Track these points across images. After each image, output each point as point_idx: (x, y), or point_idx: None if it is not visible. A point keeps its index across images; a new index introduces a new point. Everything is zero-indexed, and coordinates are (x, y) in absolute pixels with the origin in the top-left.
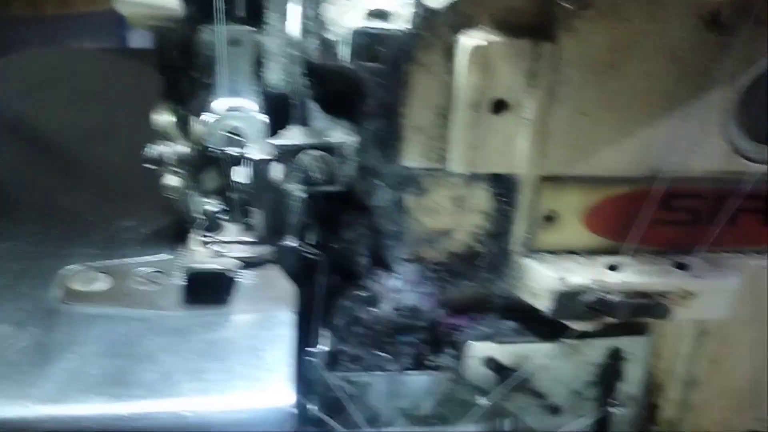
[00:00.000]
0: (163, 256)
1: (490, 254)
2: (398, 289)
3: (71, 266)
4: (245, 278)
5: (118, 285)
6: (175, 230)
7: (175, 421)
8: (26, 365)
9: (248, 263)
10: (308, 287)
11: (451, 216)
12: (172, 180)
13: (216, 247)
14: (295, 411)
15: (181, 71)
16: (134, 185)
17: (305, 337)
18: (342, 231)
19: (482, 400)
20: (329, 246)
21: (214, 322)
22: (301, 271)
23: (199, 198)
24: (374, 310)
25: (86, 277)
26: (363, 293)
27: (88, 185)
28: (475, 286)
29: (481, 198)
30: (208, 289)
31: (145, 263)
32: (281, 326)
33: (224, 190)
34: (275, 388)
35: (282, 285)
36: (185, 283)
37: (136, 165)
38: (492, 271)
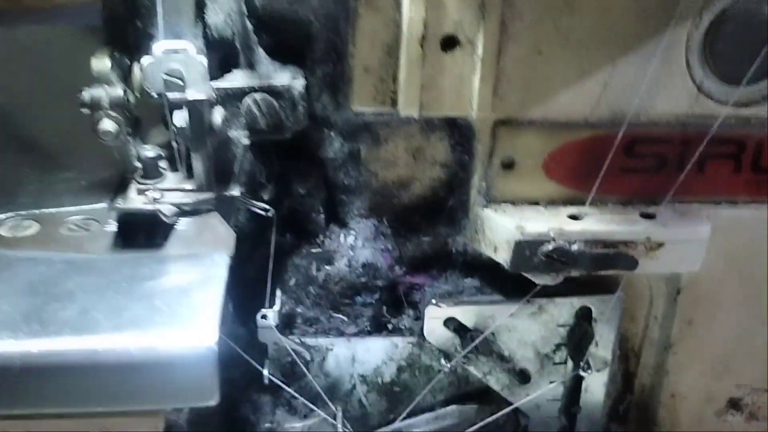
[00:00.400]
0: (99, 206)
1: (450, 207)
2: (354, 246)
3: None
4: (182, 225)
5: (47, 231)
6: (116, 181)
7: (90, 358)
8: None
9: (186, 211)
10: (258, 245)
11: (408, 168)
12: (107, 125)
13: (153, 194)
14: (216, 349)
15: (124, 20)
16: (76, 142)
17: (257, 298)
18: (293, 185)
19: (445, 365)
20: (280, 201)
21: (142, 263)
22: (249, 227)
23: (137, 144)
24: (329, 268)
25: (14, 224)
26: (317, 251)
27: (28, 143)
28: (435, 242)
29: (439, 148)
30: (141, 233)
31: (78, 212)
32: (213, 267)
33: (163, 136)
34: (197, 327)
35: (220, 231)
36: (117, 227)
37: (82, 124)
38: (451, 225)
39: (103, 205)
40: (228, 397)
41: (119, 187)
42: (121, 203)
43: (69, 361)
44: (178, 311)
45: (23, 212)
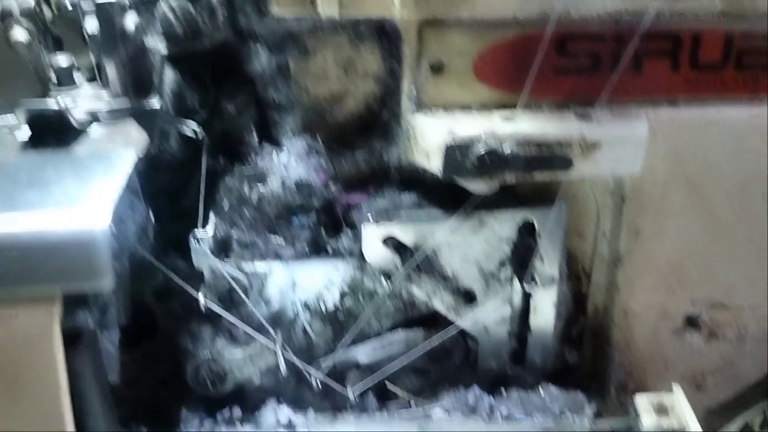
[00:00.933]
0: (11, 116)
1: (384, 121)
2: (287, 165)
3: None
4: (95, 132)
5: None
6: (35, 97)
7: None
8: None
9: (102, 120)
10: (193, 174)
11: (339, 82)
12: (18, 34)
13: (65, 100)
14: (107, 231)
15: None
16: None
17: (192, 226)
18: (223, 104)
19: (386, 285)
20: (212, 124)
21: (46, 160)
22: (183, 154)
23: (50, 53)
24: (262, 188)
25: None
26: (249, 170)
27: None
28: (370, 158)
29: (370, 60)
30: (49, 134)
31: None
32: (117, 160)
33: (77, 43)
34: (90, 209)
35: (132, 134)
36: (27, 133)
37: None
38: (386, 138)
39: (14, 116)
40: (170, 331)
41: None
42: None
43: None
44: (73, 197)
45: None
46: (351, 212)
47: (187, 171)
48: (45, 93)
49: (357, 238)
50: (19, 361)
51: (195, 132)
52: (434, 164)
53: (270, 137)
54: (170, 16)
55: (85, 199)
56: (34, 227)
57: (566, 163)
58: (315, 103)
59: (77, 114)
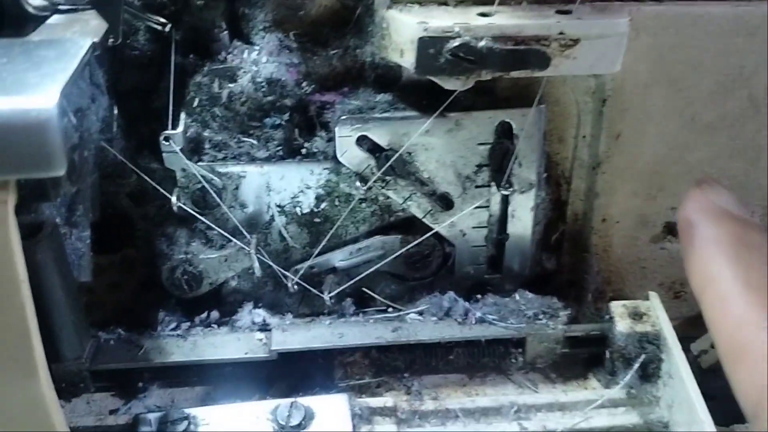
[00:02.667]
0: None
1: (358, 16)
2: (257, 61)
3: None
4: (53, 20)
5: None
6: None
7: None
8: None
9: (60, 8)
10: (162, 72)
11: None
12: None
13: None
14: (56, 111)
15: None
16: None
17: (165, 126)
18: None
19: (360, 188)
20: (180, 19)
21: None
22: (151, 52)
23: None
24: (232, 86)
25: None
26: (218, 67)
27: None
28: (344, 56)
29: None
30: (3, 21)
31: None
32: (72, 47)
33: None
34: (38, 92)
35: (92, 23)
36: None
37: None
38: (360, 35)
39: None
40: (144, 231)
41: None
42: None
43: None
44: (23, 81)
45: None
46: (325, 113)
47: (156, 68)
48: None
49: (331, 139)
50: None
51: (162, 26)
52: (407, 60)
53: (241, 34)
54: None
55: (34, 83)
56: None
57: (544, 61)
58: None
59: (34, 1)
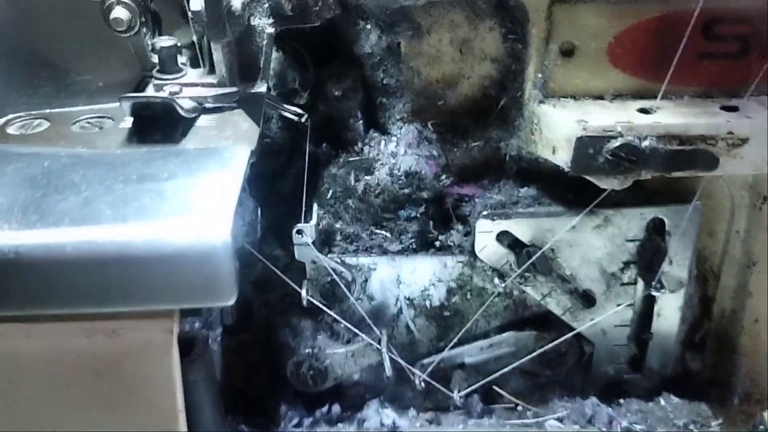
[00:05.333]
0: (114, 105)
1: (502, 108)
2: (395, 153)
3: (10, 115)
4: (202, 122)
5: (57, 129)
6: (134, 82)
7: (91, 250)
8: None
9: (208, 108)
10: (293, 159)
11: (454, 64)
12: (119, 12)
13: (171, 89)
14: (230, 242)
15: None
16: (93, 44)
17: (291, 214)
18: (328, 87)
19: (499, 285)
20: (315, 108)
21: (155, 156)
22: (283, 139)
23: (153, 37)
24: (368, 178)
25: (24, 123)
26: (355, 159)
27: (42, 45)
28: (486, 148)
29: (489, 40)
30: (157, 130)
31: (92, 111)
32: (231, 159)
33: (179, 24)
34: (210, 218)
35: (243, 126)
36: (131, 123)
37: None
38: (504, 127)
39: (118, 104)
40: (266, 322)
41: (137, 88)
42: (130, 95)
43: (67, 254)
44: (190, 202)
45: (35, 112)
46: (462, 205)
47: (287, 157)
48: (146, 78)
49: (468, 232)
50: (137, 374)
51: (298, 116)
52: (561, 158)
53: (377, 124)
54: None
55: (203, 207)
56: (150, 237)
57: (711, 161)
58: (427, 87)
59: (183, 103)
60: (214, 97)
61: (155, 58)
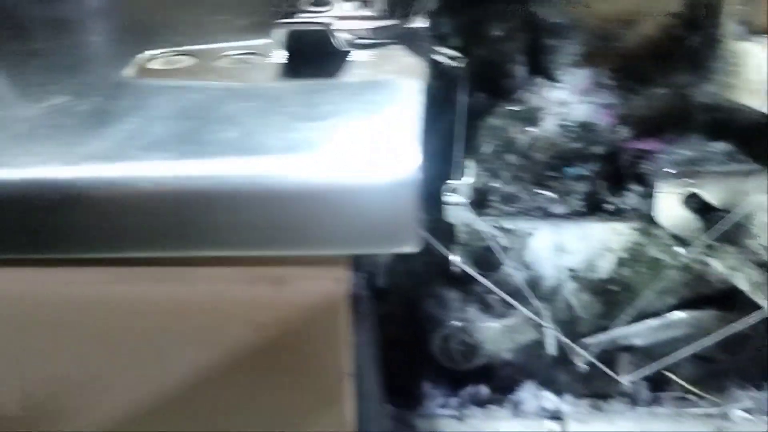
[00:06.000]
0: (262, 41)
1: (690, 48)
2: (565, 102)
3: (151, 51)
4: (359, 56)
5: (203, 64)
6: (279, 19)
7: (257, 182)
8: (80, 127)
9: (364, 44)
10: (444, 109)
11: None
12: None
13: (325, 21)
14: (419, 178)
15: None
16: None
17: (443, 169)
18: (487, 27)
19: (682, 255)
20: (470, 50)
21: (315, 89)
22: (433, 86)
23: None
24: (533, 130)
25: (168, 59)
26: (517, 108)
27: None
28: (671, 95)
29: None
30: (311, 60)
31: (239, 47)
32: (404, 91)
33: None
34: (394, 150)
35: (407, 61)
36: (284, 56)
37: None
38: (694, 71)
39: (265, 40)
40: (408, 290)
41: (281, 24)
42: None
43: (231, 187)
44: (364, 135)
45: (177, 48)
46: (641, 163)
47: (439, 106)
48: (294, 13)
49: (647, 195)
50: (303, 329)
51: (453, 60)
52: (763, 103)
53: (540, 69)
54: None
55: (382, 138)
56: (326, 169)
57: None
58: (601, 26)
59: (342, 36)
60: (372, 30)
61: None
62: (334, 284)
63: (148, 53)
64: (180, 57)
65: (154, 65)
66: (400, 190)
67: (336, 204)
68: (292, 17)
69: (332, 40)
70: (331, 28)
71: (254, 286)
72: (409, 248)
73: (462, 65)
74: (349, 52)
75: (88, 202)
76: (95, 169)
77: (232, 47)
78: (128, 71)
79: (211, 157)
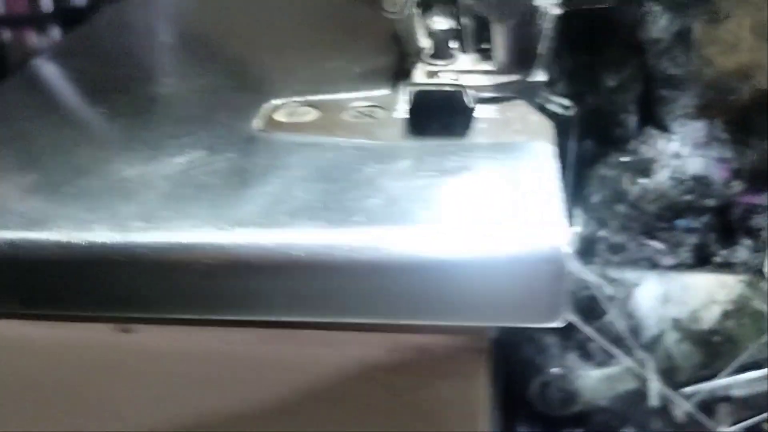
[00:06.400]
0: (382, 92)
1: None
2: (678, 154)
3: (275, 101)
4: (482, 113)
5: (328, 117)
6: (396, 68)
7: (406, 253)
8: (223, 188)
9: (486, 98)
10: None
11: (752, 53)
12: None
13: (448, 76)
14: (569, 252)
15: None
16: (350, 27)
17: None
18: (601, 76)
19: None
20: (581, 97)
21: (447, 151)
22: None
23: (426, 17)
24: (644, 181)
25: (292, 110)
26: (628, 159)
27: (297, 30)
28: None
29: None
30: (439, 117)
31: (360, 98)
32: (537, 156)
33: (457, 7)
34: (542, 222)
35: (532, 119)
36: (409, 112)
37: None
38: None
39: (385, 91)
40: (511, 334)
41: (400, 74)
42: (414, 83)
43: (381, 257)
44: (506, 203)
45: (299, 98)
46: (753, 217)
47: None
48: (414, 64)
49: (757, 249)
50: (439, 396)
51: (564, 108)
52: None
53: (652, 119)
54: None
55: (526, 210)
56: (474, 241)
57: None
58: (719, 79)
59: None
60: (496, 86)
61: (422, 42)
62: (475, 353)
63: (272, 103)
64: (305, 108)
65: (280, 117)
66: (549, 265)
67: (482, 274)
68: (413, 68)
69: (464, 100)
70: (465, 88)
71: (395, 353)
72: (555, 324)
73: (573, 113)
74: (475, 109)
75: (242, 266)
76: (248, 235)
77: (354, 98)
78: (256, 123)
79: (359, 226)
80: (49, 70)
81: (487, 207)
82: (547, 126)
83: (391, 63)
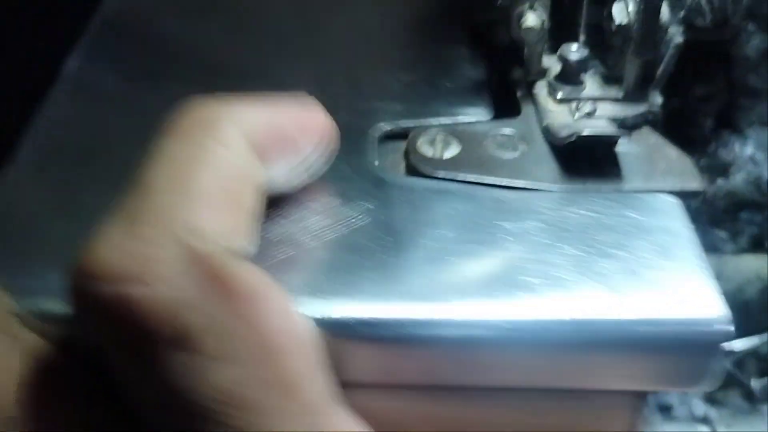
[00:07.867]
0: (511, 119)
1: None
2: (755, 159)
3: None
4: (623, 147)
5: (470, 150)
6: (491, 89)
7: (572, 326)
8: (374, 252)
9: (623, 127)
10: None
11: None
12: (532, 20)
13: (585, 107)
14: (732, 330)
15: None
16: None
17: None
18: (692, 85)
19: None
20: (669, 102)
21: (606, 204)
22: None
23: (557, 43)
24: (722, 182)
25: (429, 138)
26: (706, 161)
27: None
28: None
29: None
30: (591, 158)
31: (494, 127)
32: (670, 214)
33: (587, 33)
34: (702, 300)
35: (672, 155)
36: (560, 151)
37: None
38: None
39: (512, 117)
40: None
41: (524, 97)
42: (549, 118)
43: (539, 331)
44: (663, 278)
45: (436, 124)
46: None
47: None
48: (536, 86)
49: None
50: None
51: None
52: None
53: (729, 124)
54: (703, 1)
55: (681, 284)
56: (637, 314)
57: None
58: None
59: (605, 126)
60: (633, 117)
61: (546, 63)
62: (625, 419)
63: (411, 133)
64: (442, 136)
65: (425, 148)
66: (711, 338)
67: (643, 346)
68: (537, 90)
69: (618, 142)
70: (625, 133)
71: (542, 417)
72: (706, 388)
73: (656, 119)
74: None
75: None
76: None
77: (486, 127)
78: (391, 161)
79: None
80: None
81: (639, 278)
82: (687, 164)
83: (486, 86)
